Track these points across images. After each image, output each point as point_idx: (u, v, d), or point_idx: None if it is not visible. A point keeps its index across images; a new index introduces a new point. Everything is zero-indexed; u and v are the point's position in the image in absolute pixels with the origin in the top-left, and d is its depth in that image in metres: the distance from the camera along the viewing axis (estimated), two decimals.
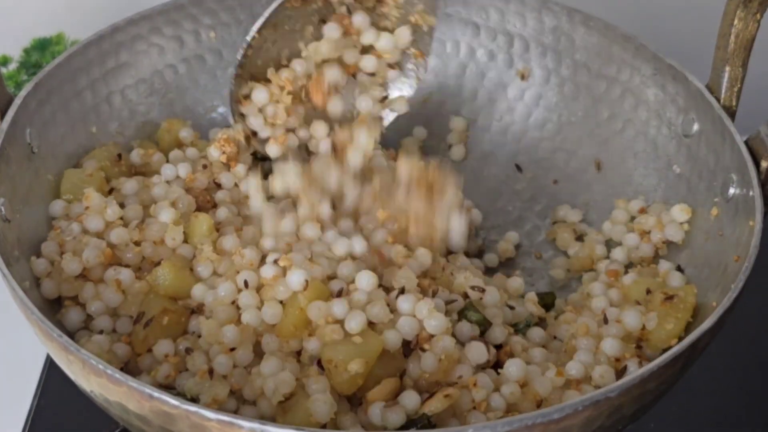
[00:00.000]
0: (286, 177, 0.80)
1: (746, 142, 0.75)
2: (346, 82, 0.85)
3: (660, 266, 0.80)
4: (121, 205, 0.79)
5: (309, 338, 0.69)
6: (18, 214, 0.74)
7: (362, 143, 0.82)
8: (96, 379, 0.61)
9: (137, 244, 0.76)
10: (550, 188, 0.93)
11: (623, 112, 0.89)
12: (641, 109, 0.87)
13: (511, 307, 0.77)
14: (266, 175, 0.83)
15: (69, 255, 0.74)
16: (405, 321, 0.69)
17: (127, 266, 0.75)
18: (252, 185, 0.82)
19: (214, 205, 0.83)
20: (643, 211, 0.85)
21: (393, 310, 0.70)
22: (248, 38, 0.81)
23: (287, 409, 0.65)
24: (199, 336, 0.71)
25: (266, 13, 0.82)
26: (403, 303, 0.70)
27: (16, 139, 0.76)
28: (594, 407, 0.58)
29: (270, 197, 0.82)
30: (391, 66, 0.87)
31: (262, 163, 0.87)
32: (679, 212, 0.81)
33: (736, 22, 0.76)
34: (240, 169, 0.85)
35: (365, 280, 0.71)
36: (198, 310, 0.73)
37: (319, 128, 0.85)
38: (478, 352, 0.70)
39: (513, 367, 0.69)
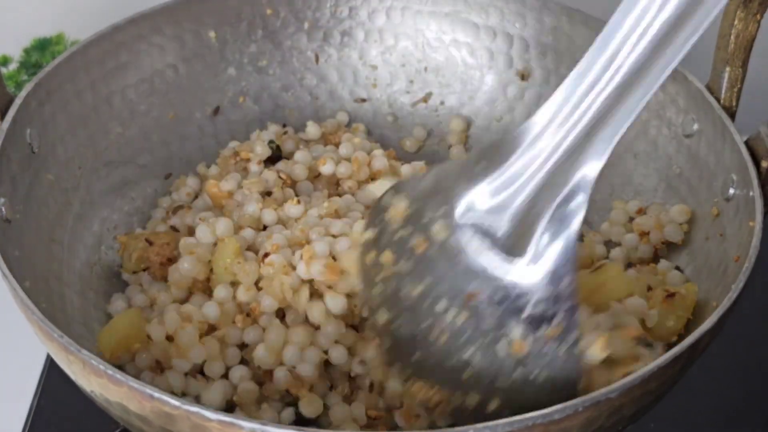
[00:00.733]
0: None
1: (746, 143, 0.75)
2: None
3: (659, 265, 0.80)
4: None
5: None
6: (18, 215, 0.74)
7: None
8: (96, 380, 0.61)
9: None
10: None
11: None
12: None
13: None
14: None
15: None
16: None
17: None
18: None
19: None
20: (641, 211, 0.86)
21: None
22: None
23: None
24: None
25: None
26: None
27: (16, 139, 0.76)
28: (594, 408, 0.58)
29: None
30: None
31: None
32: (678, 213, 0.81)
33: (736, 22, 0.76)
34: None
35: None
36: None
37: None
38: None
39: None
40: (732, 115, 0.79)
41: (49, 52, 1.09)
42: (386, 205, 0.67)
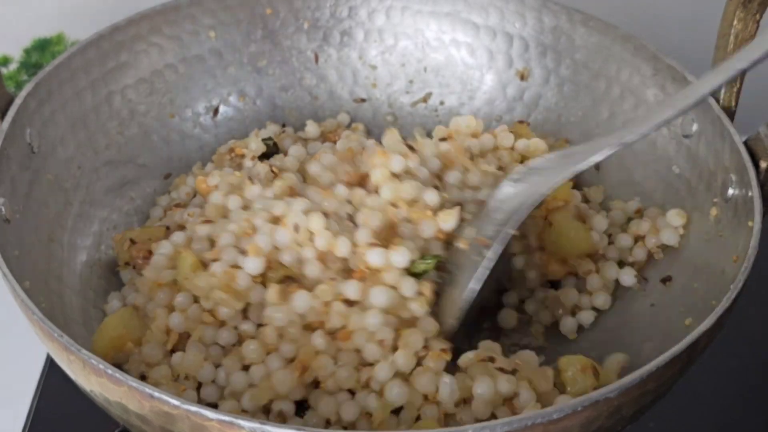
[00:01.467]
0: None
1: (745, 143, 0.75)
2: None
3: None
4: None
5: None
6: (18, 215, 0.74)
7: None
8: (96, 379, 0.61)
9: None
10: None
11: (623, 112, 0.89)
12: (641, 110, 0.88)
13: None
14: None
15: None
16: None
17: None
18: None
19: None
20: (639, 212, 0.86)
21: None
22: None
23: None
24: None
25: None
26: None
27: (16, 139, 0.76)
28: (593, 408, 0.58)
29: None
30: None
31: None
32: (675, 216, 0.81)
33: (735, 22, 0.76)
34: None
35: None
36: None
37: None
38: None
39: None
40: (731, 116, 0.79)
41: (49, 52, 1.09)
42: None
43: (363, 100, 0.98)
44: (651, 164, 0.87)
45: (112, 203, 0.88)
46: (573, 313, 0.82)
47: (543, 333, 0.82)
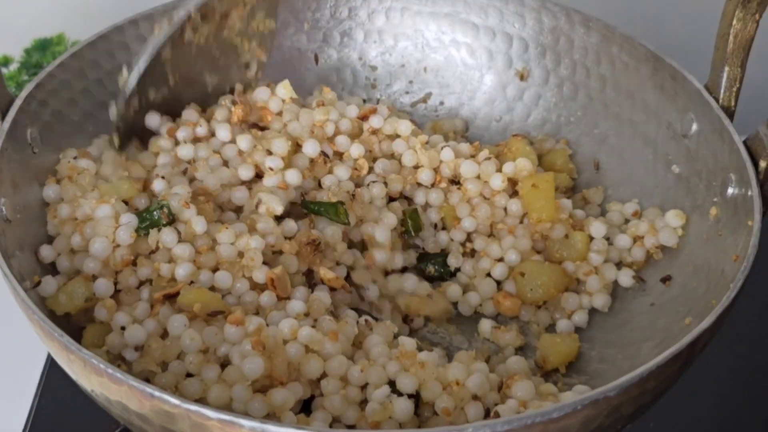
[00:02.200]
0: None
1: (745, 142, 0.76)
2: None
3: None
4: None
5: None
6: (19, 214, 0.74)
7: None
8: (97, 379, 0.61)
9: None
10: None
11: (622, 112, 0.89)
12: (640, 109, 0.88)
13: None
14: None
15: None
16: None
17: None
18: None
19: None
20: (636, 214, 0.86)
21: None
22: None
23: None
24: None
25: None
26: None
27: (17, 139, 0.76)
28: (593, 406, 0.58)
29: None
30: None
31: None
32: (673, 217, 0.82)
33: (734, 22, 0.76)
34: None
35: None
36: None
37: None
38: None
39: None
40: (731, 115, 0.79)
41: (50, 53, 1.09)
42: None
43: (363, 101, 0.98)
44: (650, 164, 0.87)
45: None
46: (569, 316, 0.82)
47: (541, 334, 0.82)
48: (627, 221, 0.86)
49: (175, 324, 0.70)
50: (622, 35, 0.88)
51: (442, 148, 0.86)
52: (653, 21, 1.06)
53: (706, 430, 0.85)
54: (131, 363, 0.71)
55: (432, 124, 0.96)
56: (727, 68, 0.78)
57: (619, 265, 0.84)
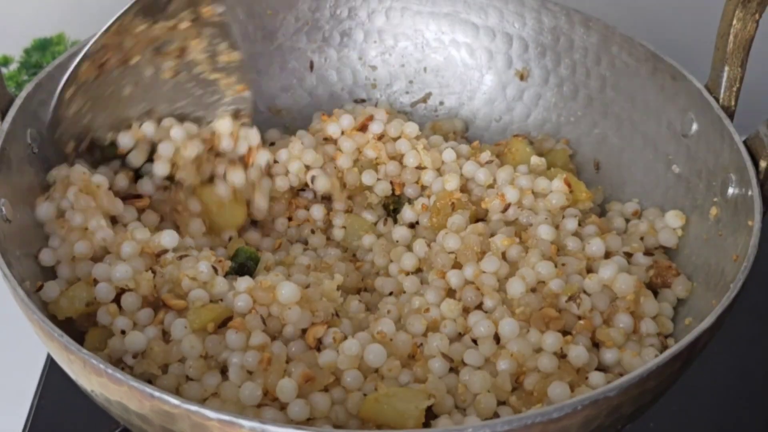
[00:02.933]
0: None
1: (745, 142, 0.76)
2: None
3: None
4: None
5: None
6: (19, 215, 0.74)
7: None
8: (97, 379, 0.61)
9: None
10: None
11: (622, 112, 0.89)
12: (640, 109, 0.88)
13: None
14: None
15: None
16: None
17: None
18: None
19: None
20: (636, 213, 0.86)
21: None
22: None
23: None
24: None
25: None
26: None
27: (17, 139, 0.76)
28: (593, 406, 0.58)
29: None
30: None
31: None
32: (674, 218, 0.82)
33: (734, 22, 0.76)
34: None
35: None
36: None
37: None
38: None
39: None
40: (731, 115, 0.79)
41: (50, 53, 1.09)
42: None
43: (363, 101, 0.98)
44: (651, 164, 0.87)
45: None
46: None
47: None
48: (627, 221, 0.86)
49: (177, 329, 0.70)
50: (622, 35, 0.88)
51: (443, 150, 0.87)
52: (653, 21, 1.06)
53: (706, 430, 0.85)
54: (132, 366, 0.71)
55: (432, 124, 0.96)
56: (727, 68, 0.78)
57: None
